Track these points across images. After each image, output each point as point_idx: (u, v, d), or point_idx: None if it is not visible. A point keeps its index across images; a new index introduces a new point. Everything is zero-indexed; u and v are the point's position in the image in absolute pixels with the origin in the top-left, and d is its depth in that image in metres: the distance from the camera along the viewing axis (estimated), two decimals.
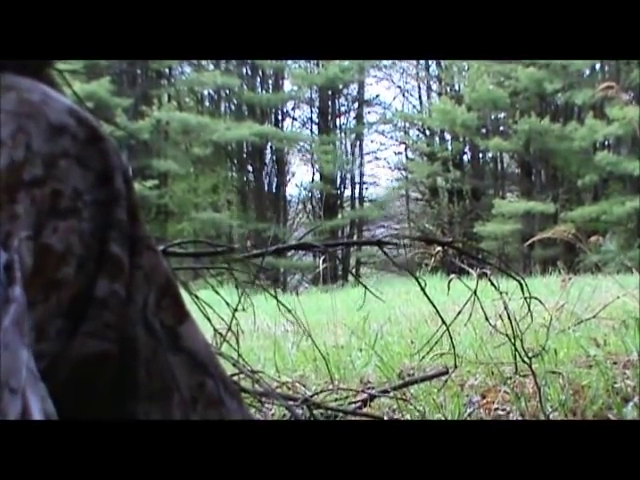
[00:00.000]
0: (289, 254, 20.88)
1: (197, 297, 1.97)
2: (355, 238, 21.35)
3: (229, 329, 2.15)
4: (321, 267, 4.62)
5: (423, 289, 2.04)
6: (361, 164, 22.83)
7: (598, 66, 18.99)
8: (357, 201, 22.77)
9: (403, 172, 23.05)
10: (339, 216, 21.87)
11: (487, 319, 2.41)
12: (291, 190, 24.68)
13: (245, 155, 22.33)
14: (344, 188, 22.65)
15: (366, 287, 2.41)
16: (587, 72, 19.49)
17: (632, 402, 1.99)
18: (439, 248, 2.59)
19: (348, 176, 22.67)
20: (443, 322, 2.23)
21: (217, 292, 2.08)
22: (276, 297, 2.21)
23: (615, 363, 2.49)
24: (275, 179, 22.16)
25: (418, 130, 22.98)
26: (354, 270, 21.52)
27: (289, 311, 2.24)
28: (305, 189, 22.87)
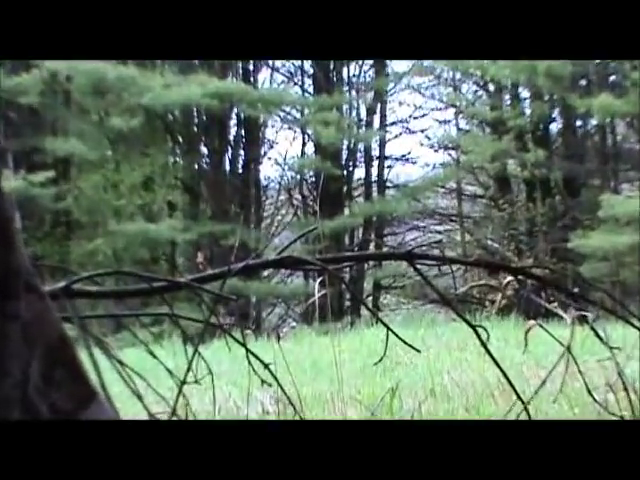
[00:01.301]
0: (265, 274, 20.79)
1: (121, 363, 1.98)
2: (372, 248, 21.37)
3: (173, 412, 2.16)
4: (317, 295, 4.61)
5: (485, 344, 2.05)
6: (383, 142, 22.90)
7: None
8: (375, 187, 22.82)
9: (452, 153, 23.14)
10: (346, 212, 21.96)
11: (590, 392, 2.42)
12: (268, 170, 24.52)
13: (196, 129, 22.43)
14: (354, 166, 22.71)
15: (389, 328, 2.41)
16: None
17: None
18: (510, 278, 2.61)
19: (361, 147, 22.70)
20: (518, 397, 2.24)
21: (152, 354, 2.09)
22: (244, 345, 2.23)
23: None
24: (242, 153, 22.19)
25: (476, 84, 23.10)
26: (370, 300, 21.51)
27: (266, 367, 2.26)
28: (291, 168, 22.93)
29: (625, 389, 2.25)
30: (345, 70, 22.86)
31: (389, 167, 23.17)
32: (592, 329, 2.33)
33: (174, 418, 2.16)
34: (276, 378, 2.32)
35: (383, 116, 22.95)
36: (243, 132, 22.33)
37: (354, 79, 23.03)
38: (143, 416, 2.17)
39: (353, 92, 22.83)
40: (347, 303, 21.24)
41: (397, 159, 23.38)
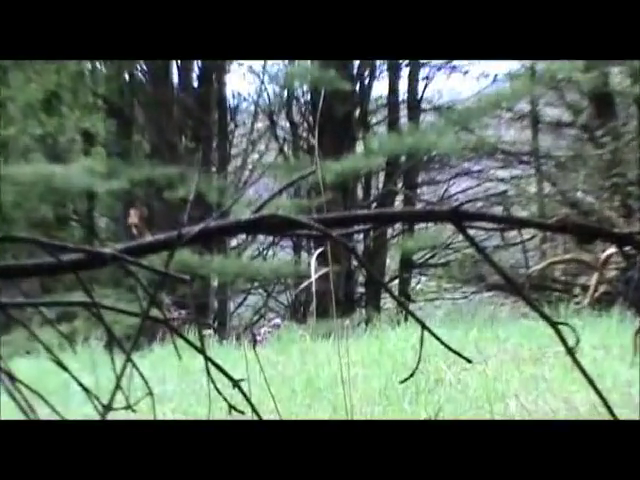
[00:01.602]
0: (234, 243, 20.78)
1: (12, 378, 2.00)
2: (399, 203, 21.44)
3: None
4: (314, 276, 4.64)
5: (572, 353, 2.07)
6: None
7: None
8: (404, 110, 22.83)
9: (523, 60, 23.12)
10: (359, 148, 22.05)
11: None
12: (238, 83, 24.31)
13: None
14: (371, 78, 22.64)
15: (426, 327, 2.44)
16: None
17: None
18: (612, 250, 2.64)
19: None
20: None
21: (61, 364, 2.11)
22: (203, 351, 2.25)
23: None
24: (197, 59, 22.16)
25: None
26: (396, 284, 21.57)
27: (235, 385, 2.28)
28: (274, 80, 22.88)
29: None
30: None
31: (426, 80, 23.15)
32: None
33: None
34: (250, 402, 2.32)
35: None
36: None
37: None
38: None
39: None
40: (360, 289, 21.28)
41: (438, 67, 23.36)
